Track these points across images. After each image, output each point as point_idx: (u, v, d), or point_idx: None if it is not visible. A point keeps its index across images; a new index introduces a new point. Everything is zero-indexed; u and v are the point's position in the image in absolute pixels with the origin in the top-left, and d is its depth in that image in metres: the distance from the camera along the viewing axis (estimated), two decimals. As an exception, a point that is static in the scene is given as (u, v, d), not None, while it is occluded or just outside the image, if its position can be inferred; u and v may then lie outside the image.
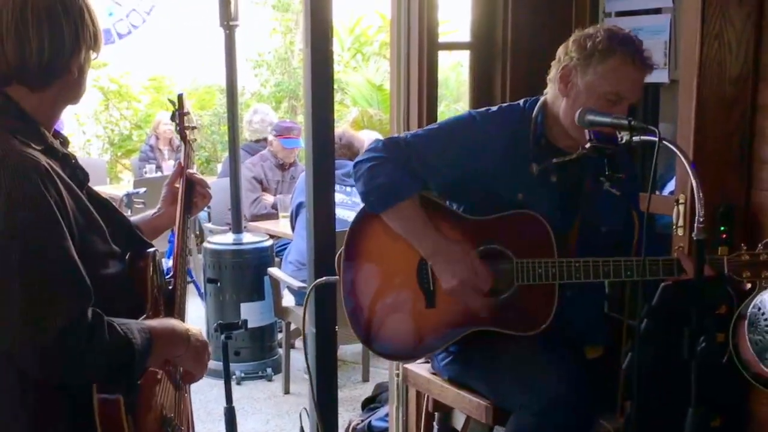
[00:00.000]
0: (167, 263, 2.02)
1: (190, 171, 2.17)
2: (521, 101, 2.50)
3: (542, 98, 2.45)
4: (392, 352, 2.58)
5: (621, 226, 2.46)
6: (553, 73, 2.39)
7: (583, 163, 2.38)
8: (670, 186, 3.27)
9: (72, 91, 1.73)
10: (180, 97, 2.23)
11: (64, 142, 1.79)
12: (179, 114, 2.24)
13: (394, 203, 2.35)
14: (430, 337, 2.43)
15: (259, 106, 7.31)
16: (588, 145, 2.24)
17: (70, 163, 1.74)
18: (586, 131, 2.23)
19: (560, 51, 2.39)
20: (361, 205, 2.48)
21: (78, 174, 1.76)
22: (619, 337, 2.43)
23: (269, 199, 5.93)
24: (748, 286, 2.19)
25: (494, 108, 2.51)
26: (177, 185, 2.17)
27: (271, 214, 5.86)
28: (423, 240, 2.35)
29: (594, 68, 2.28)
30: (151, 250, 1.87)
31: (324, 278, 2.88)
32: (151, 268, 1.84)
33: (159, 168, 8.12)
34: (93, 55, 1.73)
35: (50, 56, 1.63)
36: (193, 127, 2.25)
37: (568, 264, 2.28)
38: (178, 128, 2.25)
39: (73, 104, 1.78)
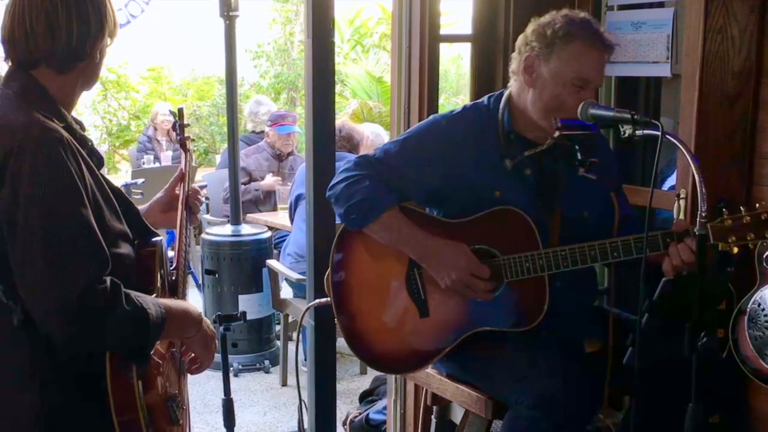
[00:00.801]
0: (168, 253, 2.04)
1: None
2: (485, 98, 2.49)
3: (506, 92, 2.43)
4: (397, 369, 2.61)
5: (601, 209, 2.43)
6: (515, 66, 2.38)
7: (556, 153, 2.36)
8: (670, 181, 3.26)
9: (91, 75, 1.83)
10: (180, 110, 2.38)
11: (82, 126, 1.85)
12: (179, 125, 2.38)
13: (376, 217, 2.34)
14: (429, 347, 2.42)
15: (261, 98, 7.29)
16: (557, 134, 2.23)
17: (87, 145, 1.80)
18: (553, 119, 2.23)
19: (519, 42, 2.38)
20: None
21: (94, 156, 1.81)
22: (617, 331, 2.42)
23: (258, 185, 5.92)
24: (735, 250, 2.14)
25: (458, 109, 2.50)
26: (177, 191, 2.23)
27: (257, 199, 5.85)
28: (412, 245, 2.35)
29: (557, 55, 2.27)
30: (158, 239, 1.91)
31: (316, 301, 2.93)
32: (158, 256, 1.88)
33: (157, 159, 8.10)
34: (110, 41, 1.82)
35: (78, 41, 1.73)
36: (192, 139, 2.37)
37: (554, 254, 2.26)
38: (178, 138, 2.39)
39: (88, 89, 1.85)
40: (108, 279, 1.64)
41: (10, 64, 1.78)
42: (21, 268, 1.62)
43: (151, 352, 1.75)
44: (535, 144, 2.37)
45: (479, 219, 2.35)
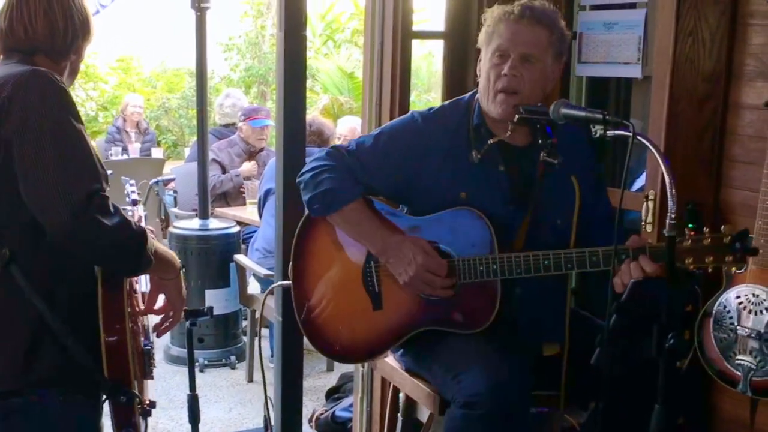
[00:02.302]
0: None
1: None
2: (469, 93, 2.49)
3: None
4: (345, 357, 2.61)
5: (582, 218, 2.40)
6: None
7: (532, 151, 2.34)
8: (639, 182, 3.28)
9: (74, 71, 2.05)
10: None
11: None
12: None
13: (338, 208, 2.36)
14: (378, 340, 2.43)
15: (231, 91, 7.23)
16: (516, 118, 2.24)
17: None
18: (514, 107, 2.24)
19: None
20: None
21: None
22: (581, 332, 2.42)
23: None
24: (691, 267, 2.11)
25: (437, 106, 2.50)
26: None
27: (239, 185, 5.81)
28: (371, 239, 2.35)
29: (487, 38, 2.33)
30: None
31: (280, 282, 2.92)
32: None
33: (125, 150, 8.01)
34: (87, 45, 2.06)
35: (72, 36, 1.98)
36: None
37: (508, 259, 2.24)
38: None
39: (69, 85, 2.00)
40: (109, 197, 1.82)
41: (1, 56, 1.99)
42: (33, 173, 1.76)
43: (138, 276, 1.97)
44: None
45: (439, 217, 2.35)
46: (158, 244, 2.01)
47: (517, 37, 2.27)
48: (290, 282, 2.55)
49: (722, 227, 2.07)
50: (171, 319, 2.13)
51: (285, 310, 3.09)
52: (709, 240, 2.05)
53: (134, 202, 2.53)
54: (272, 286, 3.04)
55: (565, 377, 2.36)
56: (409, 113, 2.52)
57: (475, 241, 2.30)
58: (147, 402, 2.06)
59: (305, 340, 3.04)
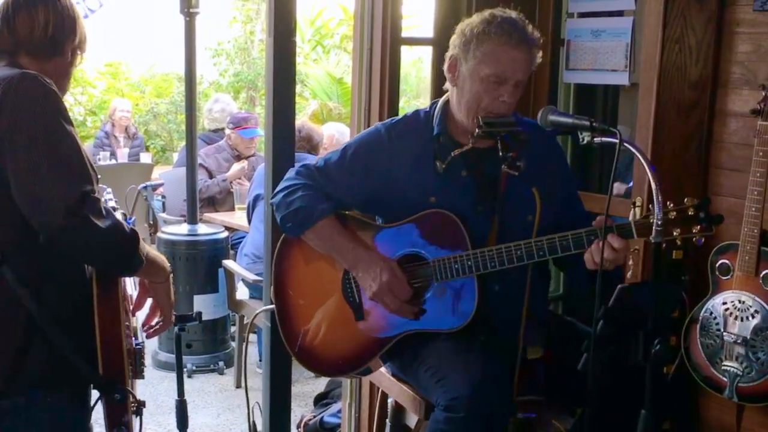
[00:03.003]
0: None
1: None
2: (432, 103, 2.51)
3: (445, 95, 2.45)
4: (338, 371, 2.63)
5: (546, 216, 2.40)
6: (445, 66, 2.41)
7: (489, 154, 2.34)
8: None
9: (63, 74, 2.02)
10: None
11: None
12: None
13: (310, 226, 2.40)
14: (365, 348, 2.44)
15: (220, 96, 7.21)
16: (476, 131, 2.26)
17: None
18: (476, 118, 2.26)
19: (450, 42, 2.40)
20: None
21: None
22: (567, 338, 2.43)
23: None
24: (664, 246, 2.08)
25: (400, 116, 2.53)
26: None
27: (224, 190, 5.79)
28: (343, 253, 2.40)
29: (473, 54, 2.29)
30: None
31: (262, 309, 2.95)
32: None
33: (114, 155, 7.98)
34: (79, 54, 2.05)
35: (53, 31, 1.96)
36: None
37: (482, 254, 2.27)
38: None
39: (60, 90, 1.95)
40: (102, 199, 1.83)
41: None
42: (25, 175, 1.77)
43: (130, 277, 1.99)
44: (464, 145, 2.37)
45: (410, 222, 2.37)
46: (149, 247, 2.02)
47: (516, 64, 2.28)
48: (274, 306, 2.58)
49: (684, 199, 2.05)
50: (161, 323, 2.14)
51: (273, 316, 3.09)
52: (675, 213, 2.05)
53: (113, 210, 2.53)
54: (260, 309, 3.07)
55: (543, 381, 2.37)
56: (374, 126, 2.56)
57: (449, 241, 2.32)
58: (137, 401, 2.06)
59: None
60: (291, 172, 2.51)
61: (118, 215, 2.22)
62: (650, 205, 2.03)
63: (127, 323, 2.04)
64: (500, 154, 2.26)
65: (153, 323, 2.16)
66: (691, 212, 2.03)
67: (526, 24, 2.32)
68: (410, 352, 2.43)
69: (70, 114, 1.96)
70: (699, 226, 2.03)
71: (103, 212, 1.81)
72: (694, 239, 2.05)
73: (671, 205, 2.05)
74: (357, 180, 2.43)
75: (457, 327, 2.33)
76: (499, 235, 2.35)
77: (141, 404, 2.06)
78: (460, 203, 2.35)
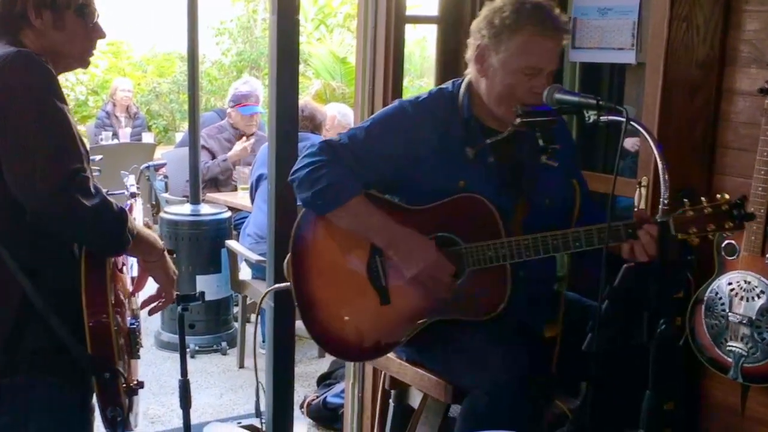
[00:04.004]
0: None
1: None
2: (450, 83, 2.46)
3: (466, 78, 2.41)
4: (358, 356, 2.59)
5: (564, 198, 2.42)
6: (470, 54, 2.35)
7: (518, 140, 2.34)
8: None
9: (70, 47, 1.97)
10: None
11: None
12: None
13: (342, 203, 2.31)
14: (390, 334, 2.39)
15: (250, 79, 7.09)
16: (517, 121, 2.22)
17: None
18: (514, 107, 2.22)
19: (473, 27, 2.35)
20: None
21: None
22: (574, 317, 2.43)
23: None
24: (696, 241, 2.14)
25: (424, 94, 2.46)
26: None
27: (227, 170, 5.77)
28: (379, 232, 2.32)
29: (505, 45, 2.25)
30: None
31: (275, 286, 2.89)
32: None
33: (115, 135, 7.97)
34: (84, 23, 1.97)
35: (20, 6, 1.91)
36: None
37: (517, 243, 2.25)
38: None
39: (59, 67, 1.95)
40: (91, 178, 1.82)
41: None
42: (14, 153, 1.77)
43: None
44: (496, 131, 2.35)
45: (442, 206, 2.33)
46: (140, 226, 2.02)
47: (551, 54, 2.26)
48: (288, 284, 2.50)
49: (717, 195, 2.12)
50: (163, 299, 2.14)
51: (277, 296, 3.09)
52: (710, 209, 2.09)
53: (132, 195, 2.53)
54: (269, 289, 3.01)
55: (556, 359, 2.37)
56: (397, 102, 2.49)
57: (482, 227, 2.29)
58: (135, 382, 2.06)
59: (297, 325, 3.04)
60: (313, 148, 2.39)
61: (138, 204, 2.26)
62: (684, 199, 2.12)
63: (122, 303, 2.04)
64: (540, 144, 2.21)
65: (153, 302, 2.15)
66: (725, 208, 2.08)
67: (554, 8, 2.28)
68: (435, 336, 2.40)
69: (72, 94, 1.95)
70: (732, 223, 2.09)
71: (92, 190, 1.80)
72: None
73: (705, 200, 2.11)
74: (384, 158, 2.36)
75: (486, 317, 2.31)
76: (524, 223, 2.35)
77: (138, 385, 2.05)
78: (487, 188, 2.32)
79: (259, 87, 6.28)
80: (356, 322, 2.40)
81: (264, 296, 2.98)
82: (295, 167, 2.40)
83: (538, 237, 2.23)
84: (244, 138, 5.87)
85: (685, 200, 2.12)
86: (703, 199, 2.13)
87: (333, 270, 2.40)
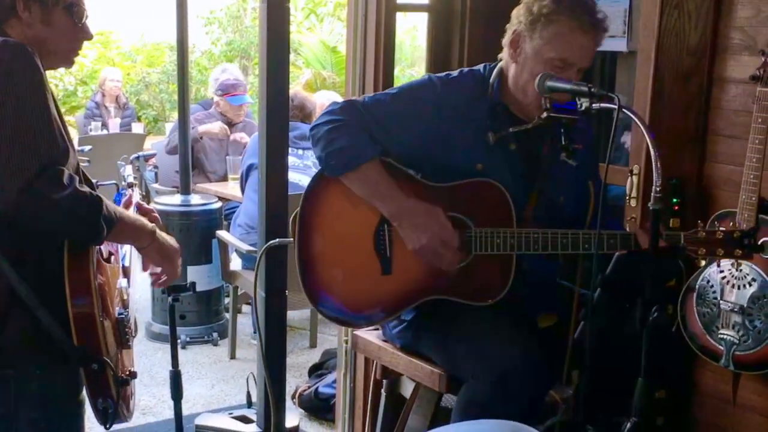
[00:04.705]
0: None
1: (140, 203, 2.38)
2: (481, 66, 2.45)
3: (499, 64, 2.41)
4: (346, 320, 2.54)
5: (577, 197, 2.43)
6: (506, 38, 2.35)
7: (541, 132, 2.34)
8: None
9: (57, 41, 1.95)
10: None
11: None
12: None
13: (355, 166, 2.29)
14: (385, 304, 2.38)
15: (228, 65, 7.09)
16: (545, 115, 2.21)
17: None
18: (543, 100, 2.20)
19: (513, 14, 2.35)
20: (313, 169, 2.42)
21: None
22: (570, 307, 2.43)
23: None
24: (703, 262, 2.20)
25: (455, 73, 2.45)
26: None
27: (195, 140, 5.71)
28: (387, 201, 2.30)
29: (540, 33, 2.24)
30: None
31: (277, 240, 2.82)
32: None
33: (105, 125, 7.92)
34: (74, 20, 1.95)
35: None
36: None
37: (526, 235, 2.25)
38: None
39: (49, 63, 1.94)
40: (66, 170, 1.80)
41: None
42: None
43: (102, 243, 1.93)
44: (521, 121, 2.35)
45: (459, 187, 2.32)
46: (125, 212, 2.01)
47: (584, 51, 2.26)
48: (289, 239, 2.47)
49: (730, 223, 2.17)
50: (164, 279, 2.15)
51: (269, 285, 3.08)
52: (722, 235, 2.10)
53: (130, 185, 2.51)
54: (269, 244, 2.91)
55: (571, 349, 2.36)
56: (426, 76, 2.47)
57: (495, 213, 2.29)
58: (128, 371, 2.05)
59: (288, 316, 3.02)
60: (335, 106, 2.37)
61: (135, 194, 2.26)
62: (699, 222, 2.13)
63: (109, 293, 2.02)
64: (563, 141, 2.21)
65: (158, 279, 2.17)
66: (736, 235, 2.09)
67: (595, 5, 2.26)
68: (431, 322, 2.40)
69: (60, 84, 1.93)
70: (741, 251, 2.09)
71: (64, 182, 1.77)
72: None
73: (701, 224, 2.13)
74: (406, 129, 2.33)
75: (486, 302, 2.31)
76: (535, 215, 2.35)
77: (131, 375, 2.04)
78: (503, 175, 2.32)
79: (240, 74, 6.28)
80: (354, 286, 2.39)
81: (262, 253, 2.86)
82: (315, 122, 2.38)
83: (549, 232, 2.24)
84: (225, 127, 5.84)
85: (699, 222, 2.14)
86: (716, 222, 2.29)
87: (339, 231, 2.38)
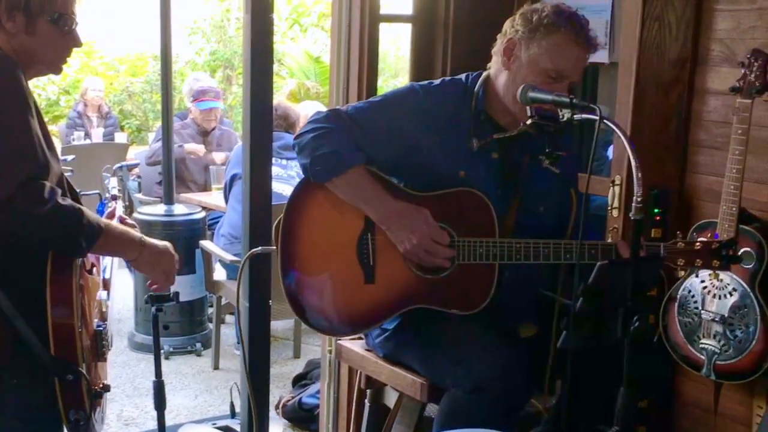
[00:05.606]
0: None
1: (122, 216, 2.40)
2: (463, 75, 2.47)
3: (485, 72, 2.42)
4: (328, 328, 2.53)
5: (558, 207, 2.45)
6: (498, 46, 2.37)
7: (524, 141, 2.36)
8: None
9: (44, 52, 1.94)
10: None
11: None
12: None
13: (341, 172, 2.30)
14: (367, 313, 2.39)
15: (199, 74, 7.14)
16: (529, 122, 2.22)
17: None
18: (528, 108, 2.22)
19: (507, 24, 2.37)
20: (297, 179, 2.43)
21: None
22: (551, 316, 2.43)
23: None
24: (681, 273, 2.22)
25: (437, 81, 2.48)
26: None
27: (179, 156, 5.76)
28: (375, 204, 2.31)
29: (538, 43, 2.27)
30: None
31: (260, 248, 2.81)
32: None
33: (87, 135, 7.89)
34: (61, 30, 1.94)
35: (24, 5, 1.88)
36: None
37: (509, 245, 2.26)
38: None
39: (35, 69, 1.96)
40: (48, 183, 1.79)
41: None
42: None
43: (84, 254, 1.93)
44: (505, 129, 2.37)
45: (442, 196, 2.33)
46: (112, 224, 2.00)
47: (578, 64, 2.30)
48: (271, 247, 2.47)
49: (708, 235, 2.26)
50: (158, 285, 2.16)
51: (252, 295, 3.07)
52: (700, 246, 2.15)
53: (114, 198, 2.50)
54: (251, 251, 2.89)
55: (553, 358, 2.37)
56: (409, 85, 2.50)
57: (477, 223, 2.31)
58: (101, 385, 2.04)
59: (271, 326, 3.01)
60: (319, 114, 2.39)
61: (119, 206, 2.28)
62: (678, 233, 2.19)
63: (89, 305, 2.01)
64: (546, 150, 2.23)
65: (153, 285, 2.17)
66: (714, 247, 2.14)
67: (588, 22, 2.32)
68: (413, 332, 2.41)
69: (43, 93, 1.93)
70: (719, 261, 2.14)
71: (45, 196, 1.77)
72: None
73: (680, 235, 2.18)
74: (389, 137, 2.35)
75: (468, 311, 2.32)
76: (517, 224, 2.37)
77: (104, 388, 2.04)
78: (486, 183, 2.34)
79: (212, 81, 6.31)
80: (336, 295, 2.39)
81: (244, 262, 2.87)
82: (300, 131, 2.39)
83: (531, 242, 2.25)
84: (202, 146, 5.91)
85: (678, 233, 2.18)
86: (695, 234, 2.36)
87: (323, 239, 2.38)
